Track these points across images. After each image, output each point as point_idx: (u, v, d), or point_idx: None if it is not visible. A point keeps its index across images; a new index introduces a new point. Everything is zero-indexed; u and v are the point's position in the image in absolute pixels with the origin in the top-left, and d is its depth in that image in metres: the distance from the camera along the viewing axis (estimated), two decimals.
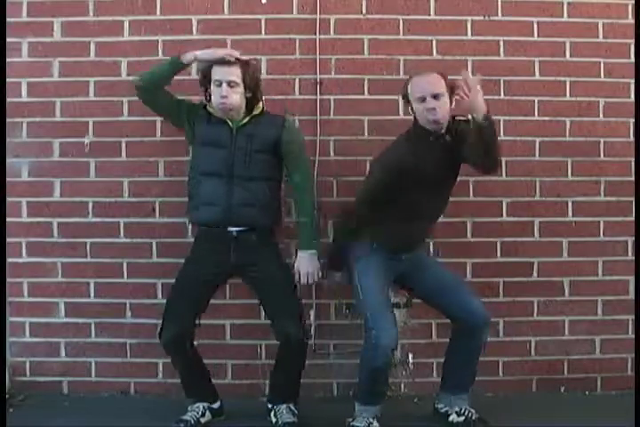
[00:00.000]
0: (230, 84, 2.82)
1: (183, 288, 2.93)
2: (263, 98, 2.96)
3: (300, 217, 2.98)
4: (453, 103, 2.79)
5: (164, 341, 2.91)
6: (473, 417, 2.93)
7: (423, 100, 2.75)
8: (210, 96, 2.90)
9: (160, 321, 2.94)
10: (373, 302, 2.81)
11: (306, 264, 2.95)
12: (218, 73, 2.84)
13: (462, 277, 3.08)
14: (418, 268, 2.93)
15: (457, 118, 2.86)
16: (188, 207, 2.99)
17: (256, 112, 2.92)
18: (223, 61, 2.85)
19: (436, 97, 2.74)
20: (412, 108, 2.83)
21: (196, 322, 2.93)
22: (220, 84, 2.83)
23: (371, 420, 2.87)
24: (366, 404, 2.88)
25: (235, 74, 2.83)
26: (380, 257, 2.87)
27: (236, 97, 2.84)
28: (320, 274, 2.99)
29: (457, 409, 2.96)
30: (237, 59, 2.86)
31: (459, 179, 3.03)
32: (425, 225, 2.95)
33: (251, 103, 2.92)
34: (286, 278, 2.95)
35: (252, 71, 2.89)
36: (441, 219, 3.03)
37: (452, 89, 2.78)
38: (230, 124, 2.90)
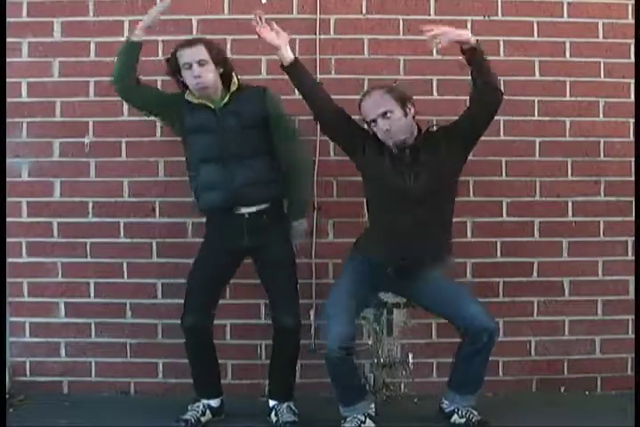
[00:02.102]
0: (200, 62, 2.80)
1: (199, 277, 2.96)
2: (235, 72, 2.93)
3: (291, 179, 2.95)
4: (410, 113, 2.76)
5: (185, 325, 2.95)
6: (474, 419, 2.93)
7: (375, 123, 2.76)
8: (183, 84, 2.87)
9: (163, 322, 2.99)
10: (333, 302, 2.82)
11: (299, 234, 3.03)
12: (184, 56, 2.81)
13: (463, 285, 3.01)
14: (414, 281, 2.87)
15: (430, 129, 2.85)
16: (195, 196, 2.97)
17: (233, 88, 2.90)
18: (185, 44, 2.82)
19: (384, 115, 2.73)
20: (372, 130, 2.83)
21: (214, 309, 2.97)
22: (189, 67, 2.80)
23: (361, 418, 2.86)
24: (346, 404, 2.88)
25: (201, 53, 2.81)
26: (367, 265, 2.86)
27: (210, 75, 2.82)
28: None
29: (459, 410, 2.96)
30: (197, 39, 2.87)
31: (459, 179, 3.04)
32: (419, 243, 2.78)
33: (227, 80, 2.89)
34: (292, 263, 2.98)
35: (216, 48, 2.87)
36: None
37: (402, 100, 2.75)
38: (212, 106, 2.87)
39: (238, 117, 2.86)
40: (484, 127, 2.82)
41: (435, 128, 2.88)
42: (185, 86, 2.88)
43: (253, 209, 2.88)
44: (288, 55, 2.81)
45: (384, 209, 2.85)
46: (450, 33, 2.63)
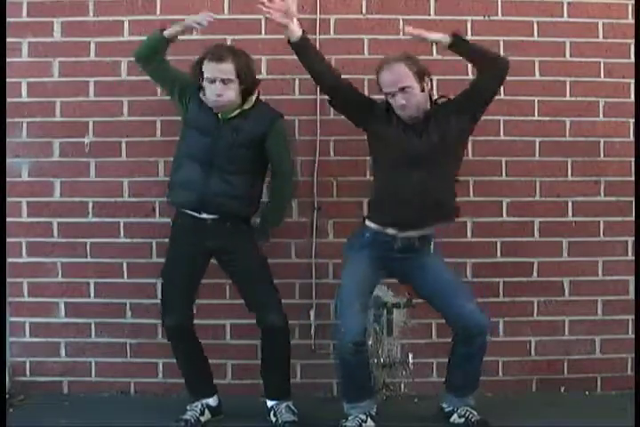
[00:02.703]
0: (225, 81, 2.76)
1: (170, 275, 2.97)
2: (259, 90, 2.90)
3: (271, 207, 2.98)
4: (427, 87, 2.79)
5: (166, 326, 2.97)
6: (473, 419, 2.93)
7: (392, 95, 2.76)
8: (203, 87, 2.82)
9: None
10: (345, 297, 2.83)
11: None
12: (209, 70, 2.77)
13: (462, 280, 3.01)
14: (418, 267, 2.89)
15: (439, 101, 2.87)
16: (169, 186, 2.97)
17: (246, 106, 2.87)
18: (214, 57, 2.76)
19: (403, 90, 2.74)
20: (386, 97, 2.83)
21: (192, 306, 2.97)
22: (213, 81, 2.77)
23: (362, 418, 2.87)
24: (351, 401, 2.89)
25: (228, 71, 2.75)
26: (372, 253, 2.85)
27: (231, 93, 2.79)
28: None
29: (458, 410, 2.96)
30: (229, 53, 2.79)
31: (459, 179, 3.04)
32: (419, 201, 2.80)
33: (246, 95, 2.86)
34: (262, 268, 2.95)
35: (246, 64, 2.81)
36: None
37: (421, 73, 2.77)
38: (219, 114, 2.86)
39: (237, 133, 2.85)
40: (492, 95, 2.86)
41: (444, 99, 2.89)
42: (202, 89, 2.84)
43: (215, 216, 2.89)
44: (296, 31, 2.79)
45: (390, 170, 2.84)
46: (426, 35, 2.78)
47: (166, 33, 2.82)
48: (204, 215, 2.89)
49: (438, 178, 2.81)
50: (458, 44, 2.75)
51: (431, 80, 2.82)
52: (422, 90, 2.78)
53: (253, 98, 2.89)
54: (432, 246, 2.91)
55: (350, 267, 2.92)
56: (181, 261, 2.94)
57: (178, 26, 2.82)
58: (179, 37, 2.86)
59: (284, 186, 2.98)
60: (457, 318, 2.82)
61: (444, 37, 2.76)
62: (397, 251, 2.86)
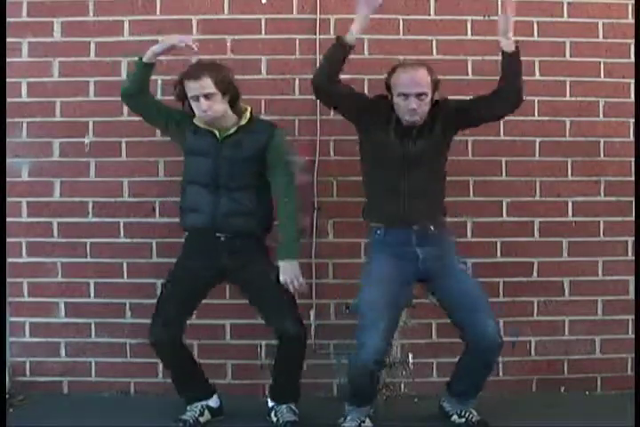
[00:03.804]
0: (207, 96, 2.79)
1: (173, 290, 2.93)
2: (251, 107, 2.92)
3: (282, 219, 2.94)
4: (434, 99, 2.80)
5: (152, 340, 2.90)
6: (473, 419, 2.94)
7: (406, 97, 2.74)
8: (191, 108, 2.85)
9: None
10: (370, 309, 2.75)
11: (289, 273, 2.89)
12: (190, 89, 2.80)
13: (485, 293, 2.93)
14: (442, 273, 2.83)
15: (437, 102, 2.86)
16: (179, 212, 2.99)
17: (243, 122, 2.89)
18: (191, 76, 2.79)
19: (419, 96, 2.73)
20: (391, 97, 2.81)
21: (185, 324, 2.93)
22: (197, 99, 2.80)
23: (362, 419, 2.87)
24: (353, 404, 2.89)
25: (207, 85, 2.78)
26: (392, 254, 2.81)
27: (218, 106, 2.81)
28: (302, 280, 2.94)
29: (459, 411, 2.96)
30: (203, 69, 2.80)
31: (459, 178, 3.05)
32: (415, 200, 2.80)
33: (235, 105, 2.88)
34: (276, 278, 2.94)
35: (222, 75, 2.83)
36: None
37: (435, 85, 2.78)
38: (217, 134, 2.87)
39: (238, 149, 2.86)
40: (487, 122, 2.90)
41: (439, 100, 2.88)
42: (191, 110, 2.87)
43: (229, 235, 2.88)
44: (357, 33, 2.79)
45: (381, 171, 2.84)
46: (511, 21, 2.76)
47: (145, 58, 2.84)
48: (218, 234, 2.89)
49: (428, 178, 2.82)
50: (514, 56, 2.73)
51: (438, 93, 2.83)
52: (431, 99, 2.79)
53: (248, 114, 2.91)
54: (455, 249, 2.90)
55: (373, 271, 2.84)
56: (190, 277, 2.91)
57: (155, 47, 2.85)
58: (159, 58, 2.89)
59: (289, 197, 2.93)
60: (475, 335, 2.76)
61: (510, 43, 2.75)
62: (416, 244, 2.82)
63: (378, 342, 2.68)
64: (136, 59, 2.87)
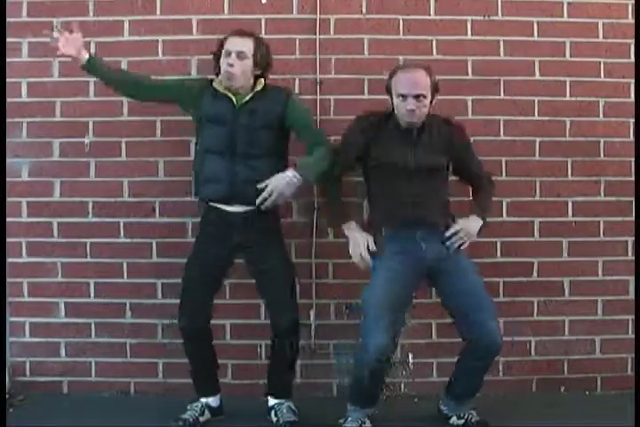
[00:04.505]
0: (240, 54, 2.81)
1: (194, 271, 2.95)
2: (267, 73, 2.93)
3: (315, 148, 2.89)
4: (434, 101, 2.82)
5: (184, 328, 2.93)
6: (473, 419, 2.94)
7: (404, 98, 2.76)
8: (219, 69, 2.88)
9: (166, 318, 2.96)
10: (372, 308, 2.74)
11: (284, 185, 2.77)
12: (229, 43, 2.84)
13: (490, 294, 2.91)
14: (447, 270, 2.84)
15: (437, 116, 2.89)
16: (195, 184, 2.97)
17: (258, 88, 2.90)
18: (236, 32, 2.85)
19: (417, 97, 2.75)
20: (391, 100, 2.82)
21: (211, 307, 2.96)
22: (229, 54, 2.82)
23: (363, 420, 2.87)
24: (356, 404, 2.88)
25: (246, 46, 2.82)
26: (397, 251, 2.81)
27: (244, 68, 2.83)
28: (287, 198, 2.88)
29: (457, 413, 2.96)
30: (251, 33, 2.87)
31: (459, 179, 3.04)
32: (420, 205, 2.82)
33: (258, 82, 2.91)
34: (287, 273, 2.96)
35: (264, 48, 2.87)
36: None
37: (435, 87, 2.80)
38: (234, 100, 2.88)
39: (254, 117, 2.86)
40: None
41: (443, 117, 2.92)
42: (218, 72, 2.89)
43: (250, 208, 2.86)
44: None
45: (385, 182, 2.86)
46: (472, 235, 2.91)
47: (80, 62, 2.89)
48: (234, 208, 2.88)
49: (428, 190, 2.85)
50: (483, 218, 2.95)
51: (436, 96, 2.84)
52: (431, 102, 2.80)
53: (263, 80, 2.92)
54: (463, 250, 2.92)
55: (379, 272, 2.83)
56: (208, 259, 2.93)
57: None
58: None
59: (325, 150, 2.90)
60: (477, 335, 2.75)
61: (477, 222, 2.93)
62: (421, 239, 2.83)
63: (380, 341, 2.67)
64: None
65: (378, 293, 2.76)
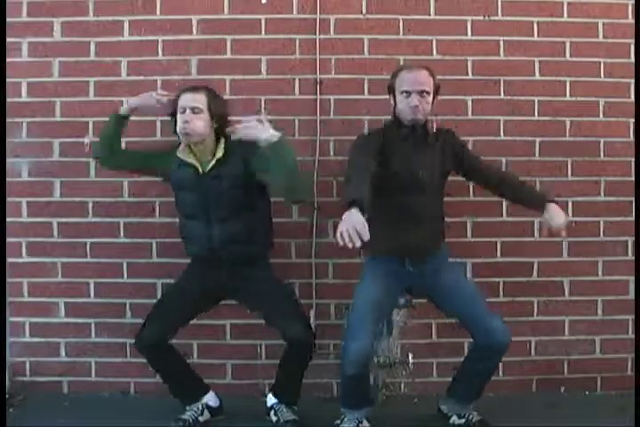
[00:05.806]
0: (194, 110, 2.79)
1: (170, 301, 2.94)
2: (225, 135, 2.83)
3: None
4: (435, 103, 2.82)
5: (143, 342, 2.88)
6: (474, 419, 2.94)
7: (408, 95, 2.76)
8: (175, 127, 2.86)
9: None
10: (357, 312, 2.78)
11: (261, 127, 2.70)
12: (182, 100, 2.82)
13: (490, 294, 2.94)
14: (437, 282, 2.84)
15: (439, 128, 2.93)
16: (182, 239, 3.00)
17: (219, 154, 2.85)
18: (188, 88, 2.83)
19: (421, 94, 2.76)
20: (394, 100, 2.82)
21: (171, 332, 2.91)
22: (183, 111, 2.80)
23: (360, 420, 2.87)
24: (346, 407, 2.89)
25: (198, 100, 2.79)
26: (387, 266, 2.84)
27: (200, 123, 2.80)
28: None
29: (458, 412, 2.96)
30: (204, 87, 2.84)
31: (459, 179, 3.04)
32: (420, 227, 2.81)
33: (221, 135, 2.86)
34: (284, 289, 2.97)
35: (219, 101, 2.85)
36: None
37: (436, 88, 2.81)
38: (199, 167, 2.86)
39: (221, 181, 2.84)
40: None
41: (453, 132, 2.95)
42: (176, 131, 2.86)
43: (235, 267, 2.89)
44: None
45: (388, 196, 2.82)
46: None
47: (122, 111, 2.89)
48: (219, 264, 2.90)
49: (429, 206, 2.85)
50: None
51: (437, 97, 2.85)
52: (432, 101, 2.81)
53: (222, 144, 2.87)
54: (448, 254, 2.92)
55: (366, 282, 2.86)
56: (192, 291, 2.92)
57: (132, 102, 2.92)
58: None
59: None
60: (484, 336, 2.75)
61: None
62: (409, 265, 2.84)
63: (362, 344, 2.69)
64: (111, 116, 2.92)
65: (361, 311, 2.78)
